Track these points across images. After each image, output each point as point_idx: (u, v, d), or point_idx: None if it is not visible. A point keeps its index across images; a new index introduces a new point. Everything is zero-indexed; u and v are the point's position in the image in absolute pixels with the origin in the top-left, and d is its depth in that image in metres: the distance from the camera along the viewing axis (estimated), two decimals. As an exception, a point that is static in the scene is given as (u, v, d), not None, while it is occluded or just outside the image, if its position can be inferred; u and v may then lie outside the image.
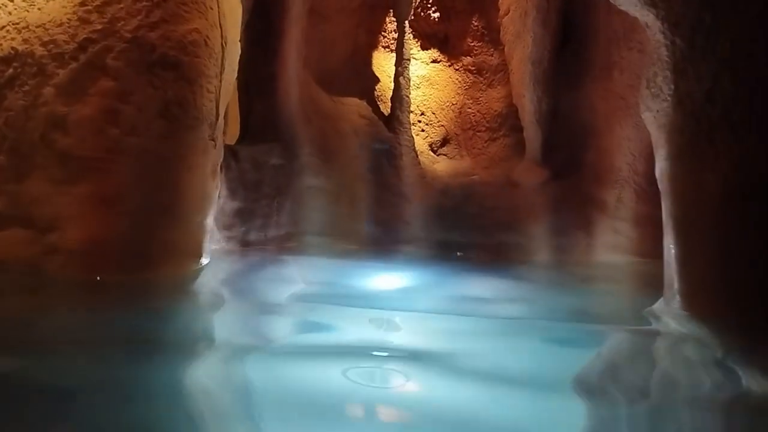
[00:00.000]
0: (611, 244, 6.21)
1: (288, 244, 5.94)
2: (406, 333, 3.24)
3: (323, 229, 6.20)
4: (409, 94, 7.15)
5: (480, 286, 4.91)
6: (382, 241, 6.54)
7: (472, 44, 7.92)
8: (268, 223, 5.66)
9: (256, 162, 5.60)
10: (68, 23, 3.58)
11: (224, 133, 5.09)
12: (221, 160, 4.45)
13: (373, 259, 5.84)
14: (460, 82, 7.94)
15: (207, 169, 4.02)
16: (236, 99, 6.20)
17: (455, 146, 7.86)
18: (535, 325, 3.47)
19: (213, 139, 3.97)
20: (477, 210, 6.92)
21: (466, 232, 6.82)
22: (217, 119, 3.99)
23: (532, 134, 6.89)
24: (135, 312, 3.10)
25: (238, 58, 4.36)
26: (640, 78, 6.09)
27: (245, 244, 5.30)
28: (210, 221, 4.14)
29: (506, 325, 3.37)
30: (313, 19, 6.66)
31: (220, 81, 3.95)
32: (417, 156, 7.10)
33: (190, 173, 3.89)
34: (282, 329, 3.16)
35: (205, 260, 4.13)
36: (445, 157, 7.78)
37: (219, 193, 4.88)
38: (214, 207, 4.22)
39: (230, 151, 5.24)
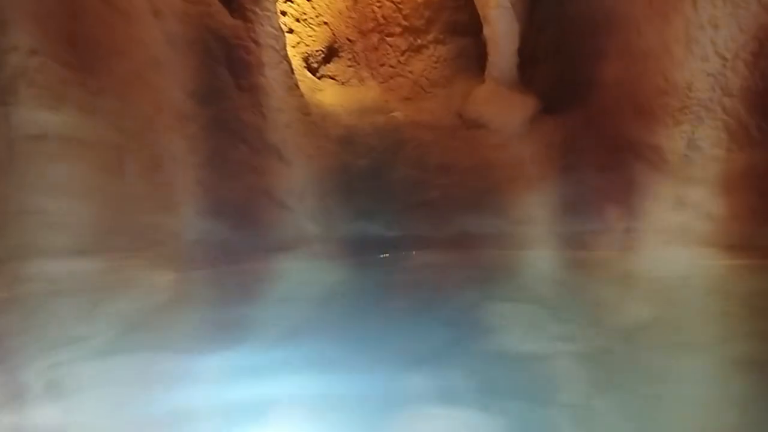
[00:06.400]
0: (675, 228, 3.32)
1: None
2: None
3: (82, 237, 2.46)
4: (269, -57, 3.51)
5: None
6: (232, 253, 2.99)
7: None
8: None
9: None
10: None
11: None
12: None
13: (207, 322, 2.37)
14: (353, -56, 4.52)
15: None
16: None
17: (350, 61, 4.48)
18: None
19: None
20: (414, 175, 3.66)
21: (397, 217, 3.54)
22: None
23: (502, 32, 3.90)
24: None
25: None
26: None
27: None
28: None
29: None
30: None
31: None
32: (292, 72, 3.56)
33: None
34: None
35: None
36: (332, 80, 4.35)
37: None
38: None
39: None
